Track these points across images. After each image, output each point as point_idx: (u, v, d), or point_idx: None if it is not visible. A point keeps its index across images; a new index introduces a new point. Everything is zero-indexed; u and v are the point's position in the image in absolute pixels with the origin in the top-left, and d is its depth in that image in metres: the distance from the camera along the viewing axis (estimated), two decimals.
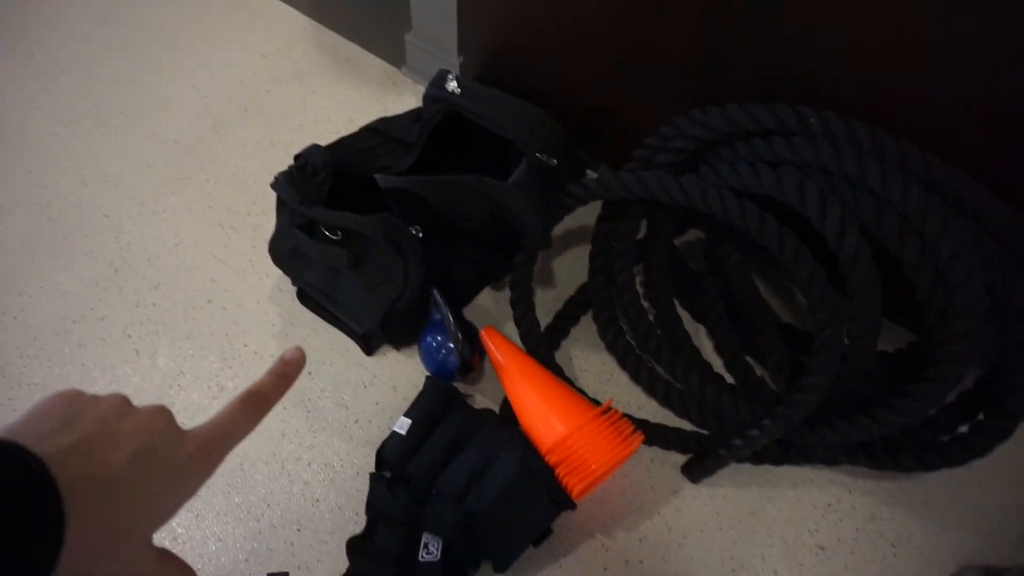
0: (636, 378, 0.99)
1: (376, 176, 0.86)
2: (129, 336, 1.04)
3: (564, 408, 0.88)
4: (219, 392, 1.00)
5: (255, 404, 0.40)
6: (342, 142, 1.01)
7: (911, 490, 0.95)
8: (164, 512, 0.35)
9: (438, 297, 0.94)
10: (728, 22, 0.83)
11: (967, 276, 0.68)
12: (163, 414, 0.37)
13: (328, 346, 1.03)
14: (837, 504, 0.94)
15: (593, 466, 0.83)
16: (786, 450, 0.92)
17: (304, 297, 1.05)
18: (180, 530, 0.91)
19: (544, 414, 0.88)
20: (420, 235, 0.90)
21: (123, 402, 0.37)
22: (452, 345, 0.93)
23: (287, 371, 0.43)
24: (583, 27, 0.97)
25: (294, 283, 1.05)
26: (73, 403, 0.35)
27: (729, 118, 0.82)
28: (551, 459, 0.85)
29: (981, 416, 0.80)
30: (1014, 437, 0.91)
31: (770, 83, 0.84)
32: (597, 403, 0.92)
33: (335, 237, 0.92)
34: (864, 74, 0.77)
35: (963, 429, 0.82)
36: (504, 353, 0.94)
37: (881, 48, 0.74)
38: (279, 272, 1.07)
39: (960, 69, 0.70)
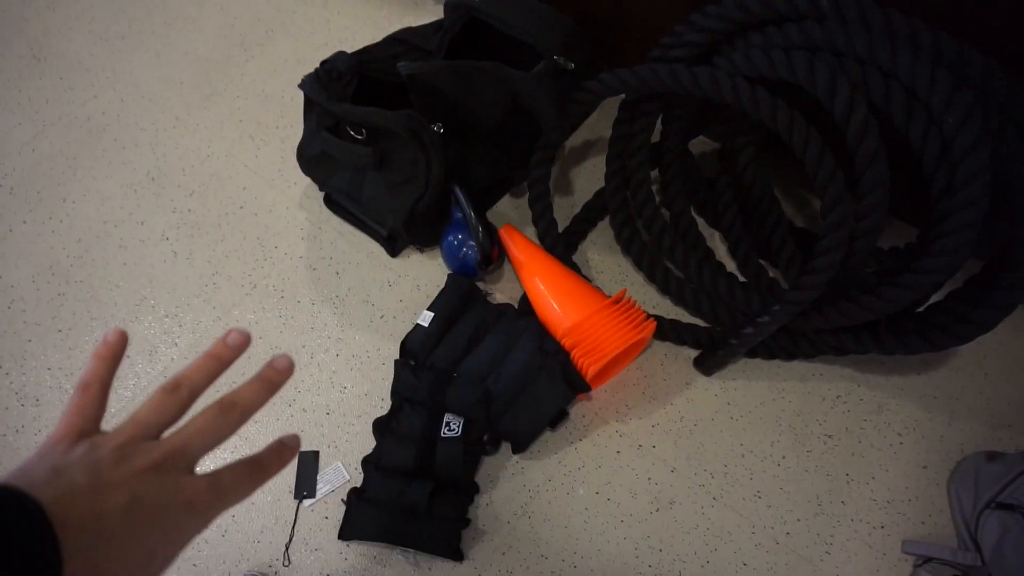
0: (651, 277, 1.02)
1: (399, 64, 0.89)
2: (167, 239, 1.09)
3: (578, 297, 0.91)
4: (252, 289, 1.05)
5: (257, 468, 0.40)
6: (366, 49, 1.04)
7: (919, 384, 0.97)
8: (159, 561, 0.35)
9: (459, 194, 0.97)
10: None
11: (972, 145, 0.69)
12: (167, 460, 0.36)
13: (355, 248, 1.08)
14: (846, 396, 0.96)
15: (607, 348, 0.87)
16: (796, 342, 0.95)
17: (331, 202, 1.09)
18: None
19: (560, 302, 0.92)
20: (441, 131, 0.93)
21: (127, 443, 0.36)
22: (472, 241, 0.97)
23: (275, 379, 0.41)
24: None
25: (321, 189, 1.09)
26: (75, 446, 0.35)
27: (742, 5, 0.83)
28: (566, 343, 0.89)
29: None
30: (1016, 332, 0.94)
31: None
32: None
33: (360, 136, 0.96)
34: None
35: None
36: (522, 249, 0.98)
37: None
38: (307, 180, 1.12)
39: None
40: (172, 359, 1.00)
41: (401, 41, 1.07)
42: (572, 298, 0.91)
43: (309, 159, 1.04)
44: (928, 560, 0.85)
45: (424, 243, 1.06)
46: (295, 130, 1.14)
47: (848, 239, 0.80)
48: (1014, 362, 0.99)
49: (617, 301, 0.91)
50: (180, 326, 1.03)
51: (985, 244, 0.85)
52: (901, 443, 0.94)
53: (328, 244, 1.08)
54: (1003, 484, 0.82)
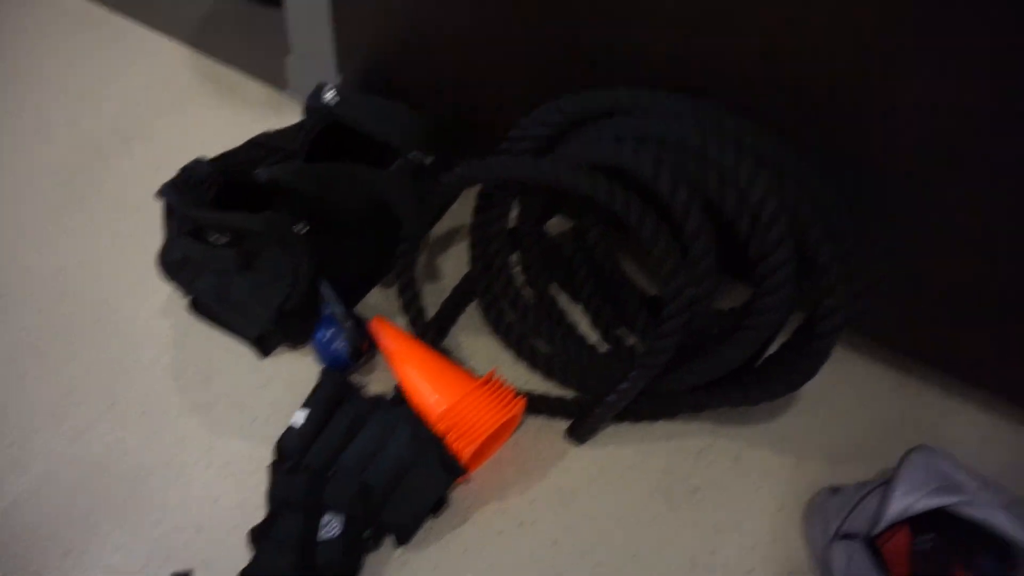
0: (520, 354, 1.07)
1: (256, 172, 0.92)
2: (14, 361, 1.03)
3: (449, 382, 0.94)
4: (110, 407, 1.00)
5: None
6: (226, 155, 1.06)
7: (770, 430, 1.06)
8: None
9: (327, 290, 0.99)
10: (570, 16, 0.95)
11: (774, 216, 0.80)
12: None
13: (223, 352, 1.06)
14: (708, 449, 1.04)
15: (479, 429, 0.89)
16: (657, 404, 1.02)
17: (197, 307, 1.08)
18: (75, 544, 0.90)
19: (432, 389, 0.94)
20: (306, 231, 0.95)
21: None
22: (343, 336, 0.98)
23: None
24: (449, 35, 1.07)
25: (185, 294, 1.08)
26: None
27: (577, 104, 0.92)
28: (440, 428, 0.91)
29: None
30: (845, 373, 1.06)
31: (609, 68, 0.96)
32: None
33: (223, 240, 0.96)
34: (684, 51, 0.90)
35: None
36: (392, 339, 1.00)
37: (696, 28, 0.87)
38: (170, 287, 1.10)
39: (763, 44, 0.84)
40: (21, 490, 0.93)
41: (261, 145, 1.10)
42: (443, 383, 0.94)
43: (171, 265, 1.03)
44: None
45: (296, 341, 1.06)
46: (155, 238, 1.12)
47: (688, 304, 0.88)
48: (845, 400, 1.10)
49: (487, 382, 0.94)
50: (29, 455, 0.96)
51: (801, 298, 0.96)
52: (759, 488, 1.01)
53: (195, 351, 1.06)
54: (844, 515, 0.90)
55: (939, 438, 1.08)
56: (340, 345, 0.99)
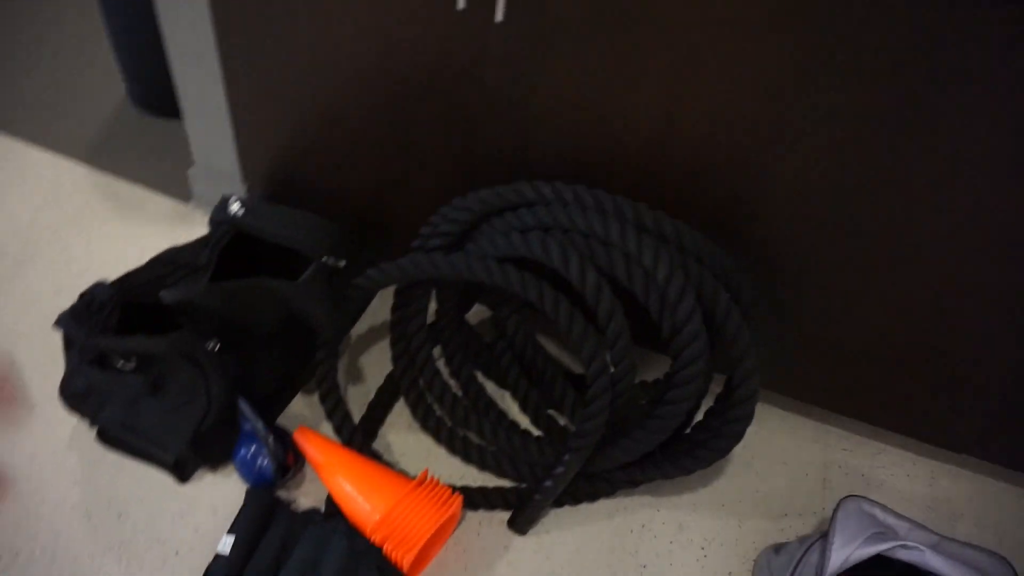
0: (452, 449, 1.05)
1: (160, 294, 0.89)
2: None
3: (382, 488, 0.92)
4: (12, 560, 0.92)
5: None
6: (128, 276, 1.03)
7: (708, 496, 1.07)
8: None
9: (245, 407, 0.96)
10: (470, 121, 0.98)
11: (682, 292, 0.83)
12: None
13: (138, 482, 1.00)
14: (649, 523, 1.03)
15: (417, 534, 0.87)
16: (594, 484, 1.01)
17: (105, 436, 1.02)
18: None
19: (364, 498, 0.91)
20: (217, 347, 0.93)
21: None
22: (265, 451, 0.94)
23: None
24: (352, 140, 1.08)
25: (92, 424, 1.02)
26: None
27: (483, 199, 0.94)
28: (376, 538, 0.88)
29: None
30: (770, 431, 1.08)
31: (511, 164, 0.99)
32: None
33: (129, 366, 0.92)
34: (579, 148, 0.94)
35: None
36: (319, 450, 0.97)
37: (587, 132, 0.92)
38: (75, 419, 1.03)
39: (649, 139, 0.89)
40: None
41: (167, 262, 1.07)
42: (376, 490, 0.91)
43: (74, 396, 0.98)
44: None
45: (216, 462, 1.01)
46: (57, 366, 1.06)
47: (610, 384, 0.89)
48: (775, 456, 1.13)
49: (420, 483, 0.92)
50: None
51: (718, 364, 0.99)
52: (705, 555, 1.01)
53: (106, 484, 0.99)
54: (788, 571, 0.91)
55: (868, 480, 1.12)
56: (263, 462, 0.95)
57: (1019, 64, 0.71)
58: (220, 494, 0.99)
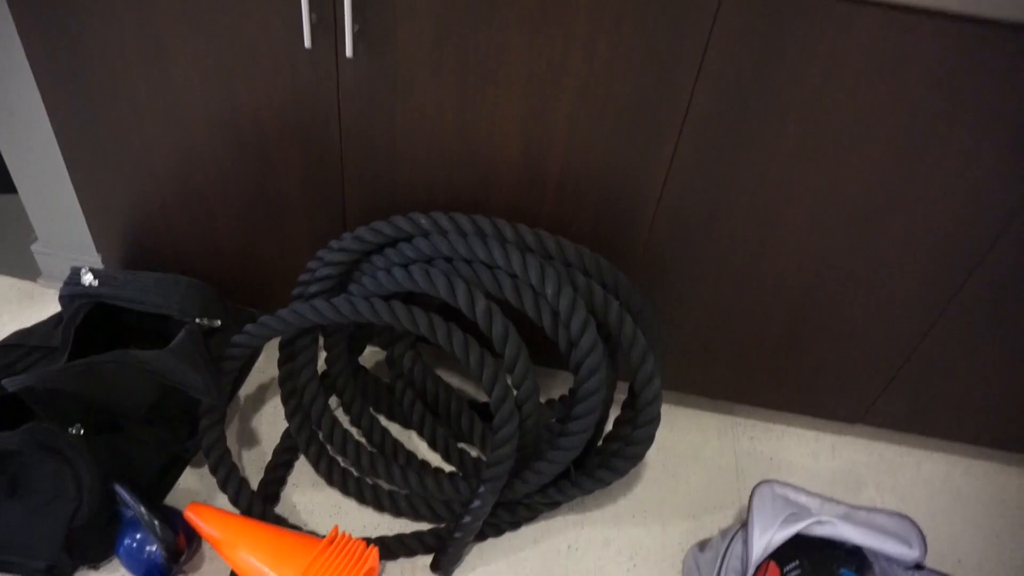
0: (362, 499, 0.99)
1: (2, 382, 0.79)
2: None
3: (289, 555, 0.85)
4: None
5: None
6: None
7: (629, 506, 1.06)
8: None
9: (123, 492, 0.87)
10: (332, 161, 0.94)
11: (572, 305, 0.82)
12: None
13: None
14: (575, 542, 1.01)
15: None
16: (514, 512, 0.98)
17: None
18: None
19: (272, 567, 0.84)
20: (82, 432, 0.84)
21: None
22: (152, 538, 0.86)
23: None
24: (211, 195, 1.02)
25: None
26: None
27: (359, 238, 0.91)
28: None
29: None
30: (679, 432, 1.09)
31: (383, 201, 0.96)
32: None
33: None
34: (449, 177, 0.93)
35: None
36: (215, 524, 0.89)
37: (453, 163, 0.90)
38: None
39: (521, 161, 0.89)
40: None
41: (16, 347, 0.97)
42: (283, 558, 0.84)
43: None
44: None
45: (97, 559, 0.91)
46: None
47: (515, 408, 0.87)
48: (686, 456, 1.14)
49: (331, 542, 0.86)
50: None
51: (619, 373, 0.99)
52: (635, 565, 1.00)
53: None
54: (716, 569, 0.91)
55: (777, 463, 1.15)
56: (151, 549, 0.86)
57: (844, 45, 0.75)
58: None
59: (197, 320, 0.96)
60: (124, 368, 0.83)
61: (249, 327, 0.92)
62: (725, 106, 0.81)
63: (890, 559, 0.89)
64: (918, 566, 0.86)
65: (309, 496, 1.02)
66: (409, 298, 0.91)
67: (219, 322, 0.98)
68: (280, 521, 0.96)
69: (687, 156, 0.86)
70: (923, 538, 0.87)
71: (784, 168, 0.85)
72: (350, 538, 0.88)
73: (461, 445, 1.08)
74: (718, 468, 1.13)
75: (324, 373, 1.03)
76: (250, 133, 0.94)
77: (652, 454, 1.14)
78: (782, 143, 0.83)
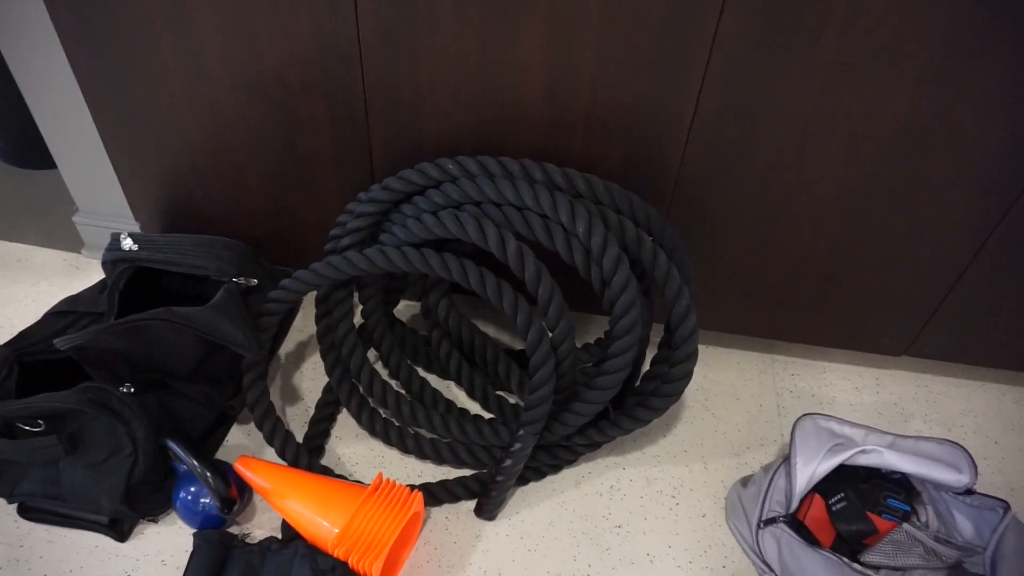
0: (405, 449, 1.01)
1: (55, 342, 0.82)
2: None
3: (336, 502, 0.87)
4: None
5: None
6: (23, 334, 0.95)
7: (669, 445, 1.07)
8: None
9: (176, 448, 0.89)
10: (357, 113, 0.94)
11: (604, 243, 0.81)
12: None
13: (72, 553, 0.92)
14: (617, 483, 1.02)
15: (381, 541, 0.83)
16: (555, 454, 0.99)
17: (28, 511, 0.94)
18: None
19: (320, 514, 0.86)
20: (132, 391, 0.86)
21: None
22: (206, 490, 0.89)
23: None
24: (241, 157, 1.03)
25: (11, 501, 0.94)
26: None
27: (388, 187, 0.91)
28: (340, 553, 0.83)
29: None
30: (718, 371, 1.08)
31: (410, 150, 0.96)
32: None
33: (38, 428, 0.85)
34: (475, 120, 0.92)
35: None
36: (264, 476, 0.92)
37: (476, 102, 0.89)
38: None
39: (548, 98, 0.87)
40: None
41: (65, 313, 0.99)
42: (330, 506, 0.87)
43: None
44: None
45: (155, 512, 0.94)
46: None
47: (551, 350, 0.87)
48: (726, 394, 1.13)
49: (376, 489, 0.88)
50: None
51: (655, 312, 0.98)
52: (678, 503, 1.00)
53: (37, 563, 0.91)
54: (760, 504, 0.91)
55: (819, 399, 1.14)
56: (206, 501, 0.89)
57: None
58: (166, 545, 0.93)
59: (234, 279, 0.97)
60: (168, 326, 0.85)
61: (285, 282, 0.93)
62: (756, 23, 0.78)
63: (939, 485, 0.87)
64: (969, 491, 0.85)
65: (353, 448, 1.04)
66: (442, 246, 0.91)
67: (256, 281, 1.00)
68: (327, 472, 0.98)
69: (717, 81, 0.83)
70: (973, 463, 0.85)
71: (820, 88, 0.82)
72: (395, 484, 0.89)
73: (499, 393, 1.08)
74: (759, 406, 1.12)
75: (361, 327, 1.04)
76: (274, 88, 0.94)
77: (691, 394, 1.13)
78: (818, 61, 0.80)
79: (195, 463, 0.89)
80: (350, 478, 1.00)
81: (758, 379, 1.17)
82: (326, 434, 1.04)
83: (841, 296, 1.05)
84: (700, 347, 1.19)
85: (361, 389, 1.02)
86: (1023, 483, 1.05)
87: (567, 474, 1.03)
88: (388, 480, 0.89)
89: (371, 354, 1.13)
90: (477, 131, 0.94)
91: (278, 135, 0.99)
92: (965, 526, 0.86)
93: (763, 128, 0.87)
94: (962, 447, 0.87)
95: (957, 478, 0.84)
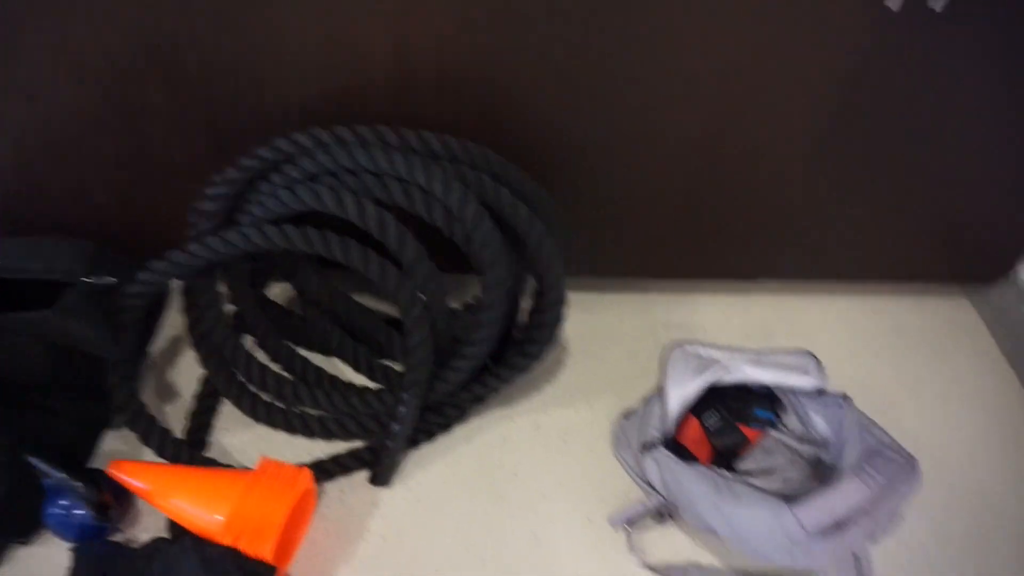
0: (292, 429, 1.00)
1: None
2: None
3: (219, 491, 0.85)
4: None
5: None
6: None
7: (552, 390, 1.10)
8: None
9: (38, 463, 0.85)
10: (197, 90, 0.90)
11: (463, 200, 0.82)
12: None
13: None
14: (508, 434, 1.05)
15: (271, 523, 0.82)
16: (443, 413, 1.01)
17: None
18: None
19: (203, 508, 0.84)
20: None
21: None
22: (78, 500, 0.85)
23: None
24: (71, 145, 0.96)
25: None
26: None
27: (243, 166, 0.88)
28: (228, 540, 0.82)
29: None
30: (597, 314, 1.13)
31: (260, 126, 0.93)
32: None
33: None
34: (322, 89, 0.90)
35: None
36: (142, 477, 0.88)
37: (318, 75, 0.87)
38: None
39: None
40: None
41: None
42: (214, 495, 0.85)
43: None
44: (632, 521, 0.95)
45: (26, 534, 0.89)
46: None
47: (425, 310, 0.88)
48: (605, 336, 1.18)
49: (261, 471, 0.87)
50: None
51: (525, 263, 1.01)
52: (567, 444, 1.04)
53: None
54: (639, 431, 0.96)
55: (693, 329, 1.21)
56: (80, 512, 0.85)
57: None
58: (42, 566, 0.88)
59: (86, 279, 0.92)
60: (6, 334, 0.80)
61: (141, 275, 0.89)
62: None
63: (794, 390, 0.95)
64: (819, 392, 0.93)
65: (239, 436, 1.02)
66: (305, 221, 0.89)
67: (114, 279, 0.95)
68: (211, 464, 0.96)
69: (561, 32, 0.85)
70: (820, 366, 0.93)
71: (662, 28, 0.85)
72: (280, 464, 0.88)
73: (385, 362, 1.08)
74: (638, 343, 1.18)
75: (234, 314, 1.01)
76: (101, 67, 0.88)
77: (573, 340, 1.17)
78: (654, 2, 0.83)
79: (63, 475, 0.84)
80: (238, 467, 0.98)
81: (636, 318, 1.22)
82: (208, 426, 1.01)
83: (701, 229, 1.11)
84: (579, 295, 1.23)
85: (240, 377, 1.00)
86: (873, 380, 1.15)
87: (459, 431, 1.04)
88: (273, 461, 0.88)
89: (249, 340, 1.10)
90: (326, 100, 0.92)
91: (114, 125, 0.94)
92: (820, 423, 0.94)
93: (612, 73, 0.89)
94: (811, 353, 0.95)
95: (808, 381, 0.92)
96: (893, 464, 0.82)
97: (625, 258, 1.16)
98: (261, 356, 1.07)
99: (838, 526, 0.78)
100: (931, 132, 0.99)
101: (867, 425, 0.88)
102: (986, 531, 0.98)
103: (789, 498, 0.81)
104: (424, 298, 0.88)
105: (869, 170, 1.03)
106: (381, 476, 0.96)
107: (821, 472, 0.93)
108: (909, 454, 0.84)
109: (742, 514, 0.82)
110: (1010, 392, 1.16)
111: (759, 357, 0.98)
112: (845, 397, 0.91)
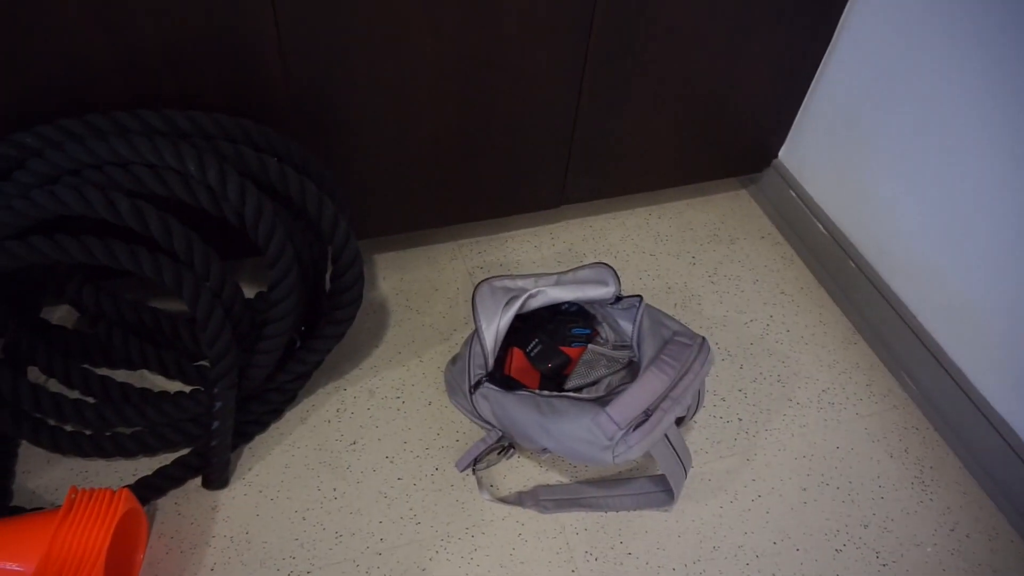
0: (106, 454, 0.93)
1: None
2: None
3: (25, 537, 0.78)
4: None
5: None
6: None
7: (379, 353, 1.10)
8: None
9: None
10: None
11: (223, 175, 0.79)
12: None
13: None
14: (342, 405, 1.04)
15: (92, 552, 0.76)
16: (266, 400, 0.98)
17: None
18: None
19: (12, 561, 0.77)
20: None
21: None
22: None
23: None
24: None
25: None
26: None
27: None
28: None
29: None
30: (411, 270, 1.12)
31: None
32: None
33: None
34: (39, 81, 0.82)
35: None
36: None
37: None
38: None
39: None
40: None
41: None
42: (20, 543, 0.77)
43: None
44: (476, 461, 0.98)
45: None
46: None
47: (214, 297, 0.84)
48: (424, 289, 1.19)
49: (71, 506, 0.80)
50: None
51: (319, 236, 0.98)
52: (403, 402, 1.05)
53: None
54: (466, 373, 0.98)
55: (507, 266, 1.24)
56: None
57: None
58: None
59: None
60: None
61: None
62: None
63: (599, 302, 1.01)
64: (618, 298, 0.99)
65: (47, 476, 0.94)
66: (51, 226, 0.82)
67: None
68: (17, 513, 0.88)
69: None
70: (615, 275, 0.98)
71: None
72: (92, 492, 0.82)
73: (199, 364, 1.03)
74: (456, 290, 1.20)
75: (4, 347, 0.92)
76: None
77: (393, 299, 1.17)
78: None
79: None
80: (50, 508, 0.90)
81: (450, 266, 1.23)
82: (8, 472, 0.92)
83: (487, 167, 1.13)
84: (391, 254, 1.24)
85: (30, 416, 0.91)
86: (675, 278, 1.24)
87: (291, 415, 1.02)
88: (83, 491, 0.82)
89: (33, 376, 1.01)
90: (45, 93, 0.83)
91: None
92: (627, 327, 1.01)
93: (351, 25, 0.88)
94: (606, 264, 1.00)
95: (607, 291, 0.97)
96: (686, 349, 0.89)
97: (422, 210, 1.16)
98: (54, 385, 0.99)
99: (647, 415, 0.84)
100: (690, 36, 1.06)
101: (660, 318, 0.95)
102: (788, 387, 1.10)
103: (604, 401, 0.86)
104: (210, 284, 0.84)
105: (636, 82, 1.09)
106: (214, 478, 0.92)
107: (635, 371, 1.00)
108: (699, 336, 0.91)
109: (565, 427, 0.86)
110: (791, 262, 1.30)
111: (563, 277, 1.02)
112: (640, 298, 0.97)
